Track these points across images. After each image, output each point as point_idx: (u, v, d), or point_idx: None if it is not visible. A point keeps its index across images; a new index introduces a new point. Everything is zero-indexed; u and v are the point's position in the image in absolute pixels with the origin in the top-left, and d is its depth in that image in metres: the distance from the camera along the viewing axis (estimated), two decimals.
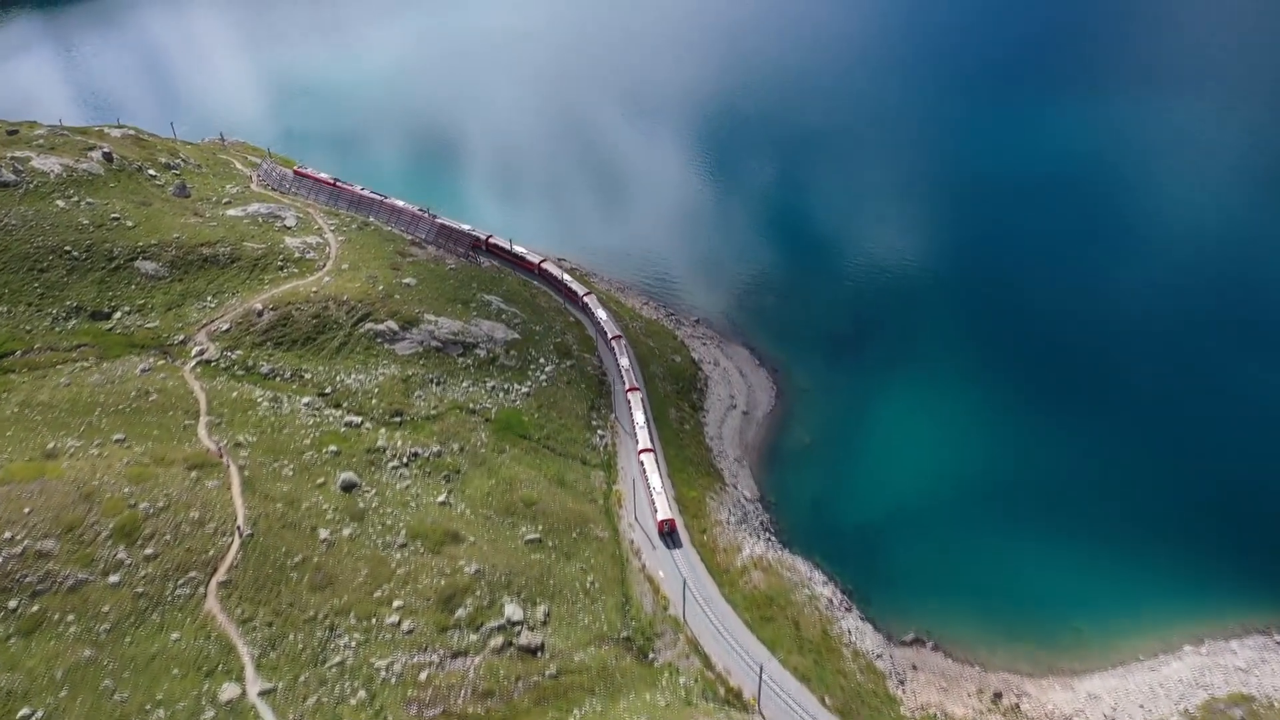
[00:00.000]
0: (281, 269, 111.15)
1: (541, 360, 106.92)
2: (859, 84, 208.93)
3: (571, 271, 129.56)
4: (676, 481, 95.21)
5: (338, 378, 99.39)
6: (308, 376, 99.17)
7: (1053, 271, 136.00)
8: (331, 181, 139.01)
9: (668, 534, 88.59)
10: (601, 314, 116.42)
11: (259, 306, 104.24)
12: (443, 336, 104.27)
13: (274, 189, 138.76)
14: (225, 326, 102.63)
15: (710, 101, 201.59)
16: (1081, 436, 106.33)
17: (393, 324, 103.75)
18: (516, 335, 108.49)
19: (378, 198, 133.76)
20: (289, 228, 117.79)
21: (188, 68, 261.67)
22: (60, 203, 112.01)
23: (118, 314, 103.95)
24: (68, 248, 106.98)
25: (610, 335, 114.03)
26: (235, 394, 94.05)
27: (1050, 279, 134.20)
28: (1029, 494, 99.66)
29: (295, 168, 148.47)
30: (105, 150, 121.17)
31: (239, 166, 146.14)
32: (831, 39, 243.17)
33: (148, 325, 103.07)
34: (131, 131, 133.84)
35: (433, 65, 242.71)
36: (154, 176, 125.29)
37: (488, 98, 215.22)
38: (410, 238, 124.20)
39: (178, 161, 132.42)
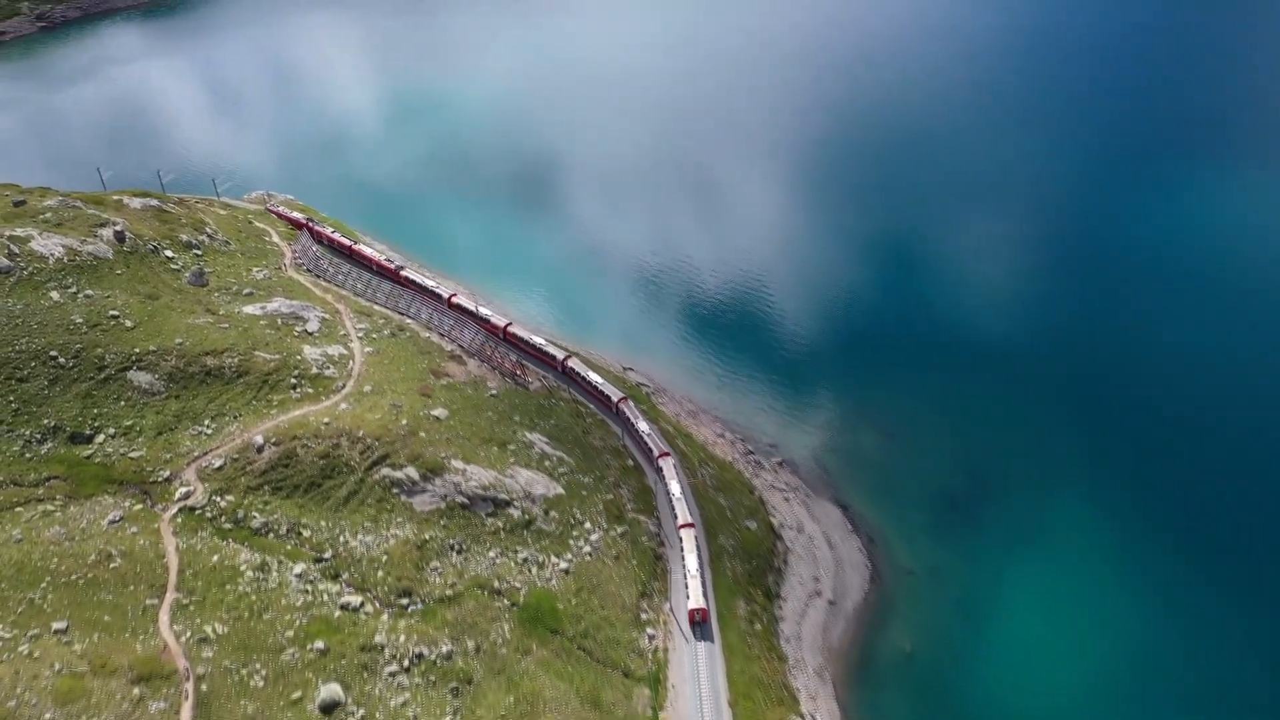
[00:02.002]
0: (294, 387, 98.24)
1: (587, 525, 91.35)
2: (1003, 142, 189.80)
3: (631, 388, 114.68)
4: (740, 713, 78.23)
5: (341, 537, 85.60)
6: (306, 534, 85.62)
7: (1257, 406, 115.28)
8: (377, 263, 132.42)
9: None
10: (643, 426, 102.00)
11: (260, 440, 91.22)
12: (471, 491, 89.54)
13: (309, 269, 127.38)
14: (219, 463, 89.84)
15: (812, 165, 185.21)
16: None
17: (413, 471, 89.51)
18: (560, 489, 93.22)
19: (426, 286, 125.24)
20: (310, 334, 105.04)
21: (260, 89, 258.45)
22: (55, 294, 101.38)
23: (100, 437, 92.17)
24: (54, 353, 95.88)
25: (656, 452, 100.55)
26: (216, 559, 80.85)
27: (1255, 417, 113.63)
28: None
29: (329, 230, 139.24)
30: (118, 228, 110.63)
31: (274, 239, 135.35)
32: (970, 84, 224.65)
33: (132, 454, 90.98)
34: (154, 203, 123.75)
35: (531, 96, 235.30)
36: (170, 259, 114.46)
37: (581, 135, 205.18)
38: (449, 349, 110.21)
39: (201, 239, 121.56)
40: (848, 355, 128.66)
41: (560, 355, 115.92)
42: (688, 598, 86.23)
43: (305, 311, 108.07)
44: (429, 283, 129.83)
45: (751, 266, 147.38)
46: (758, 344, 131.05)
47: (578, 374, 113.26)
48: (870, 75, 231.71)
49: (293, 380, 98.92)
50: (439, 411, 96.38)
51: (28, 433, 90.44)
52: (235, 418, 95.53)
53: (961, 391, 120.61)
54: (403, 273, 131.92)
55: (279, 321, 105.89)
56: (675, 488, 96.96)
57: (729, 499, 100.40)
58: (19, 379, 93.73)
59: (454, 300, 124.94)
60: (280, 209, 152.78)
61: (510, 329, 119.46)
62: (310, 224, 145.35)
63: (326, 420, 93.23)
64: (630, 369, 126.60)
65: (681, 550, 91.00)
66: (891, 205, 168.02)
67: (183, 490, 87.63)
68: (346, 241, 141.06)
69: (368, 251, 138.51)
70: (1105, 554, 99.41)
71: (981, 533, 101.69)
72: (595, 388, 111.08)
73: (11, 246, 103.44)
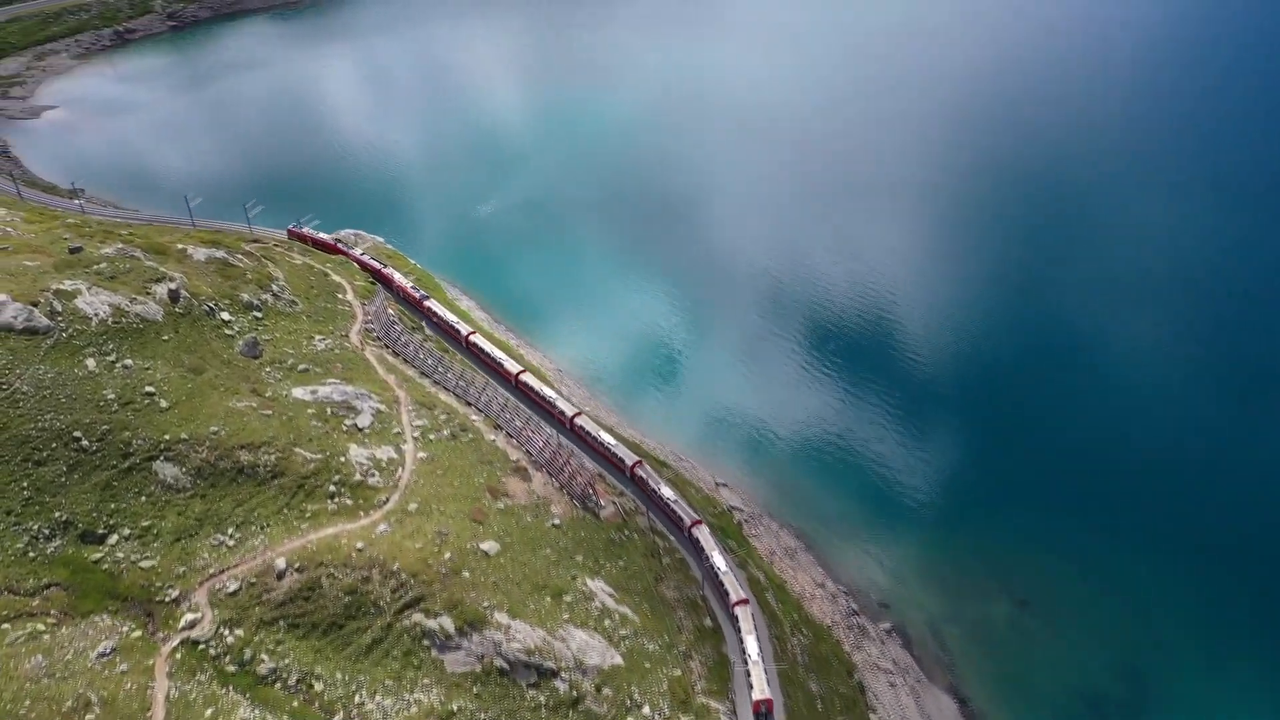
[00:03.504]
0: (333, 496, 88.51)
1: (645, 710, 78.33)
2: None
3: (719, 513, 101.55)
4: None
5: (357, 696, 75.20)
6: (318, 687, 75.60)
7: None
8: (445, 325, 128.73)
9: None
10: (719, 561, 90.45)
11: (283, 564, 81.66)
12: (513, 654, 77.61)
13: (379, 336, 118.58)
14: (234, 586, 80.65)
15: (962, 232, 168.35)
16: None
17: (449, 622, 78.30)
18: (618, 659, 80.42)
19: (493, 356, 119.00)
20: (360, 429, 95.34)
21: (369, 108, 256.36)
22: (91, 363, 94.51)
23: (114, 538, 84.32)
24: (78, 433, 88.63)
25: (733, 598, 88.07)
26: (209, 713, 71.03)
27: None
28: None
29: (409, 284, 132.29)
30: (173, 286, 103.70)
31: (349, 296, 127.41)
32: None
33: (144, 563, 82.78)
34: (221, 253, 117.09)
35: (662, 124, 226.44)
36: (226, 323, 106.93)
37: (710, 175, 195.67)
38: (515, 457, 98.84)
39: (264, 297, 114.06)
40: (983, 495, 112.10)
41: (630, 459, 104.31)
42: None
43: (359, 401, 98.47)
44: (496, 352, 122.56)
45: (878, 376, 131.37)
46: (877, 472, 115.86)
47: (647, 484, 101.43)
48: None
49: (332, 487, 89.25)
50: (489, 545, 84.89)
51: (36, 527, 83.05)
52: (262, 528, 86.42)
53: (1127, 556, 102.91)
54: (471, 338, 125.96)
55: (328, 411, 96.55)
56: (752, 647, 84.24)
57: (821, 683, 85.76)
58: (36, 462, 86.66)
59: (521, 377, 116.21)
60: (359, 254, 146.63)
61: (578, 420, 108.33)
62: (384, 270, 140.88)
63: (360, 545, 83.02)
64: (723, 484, 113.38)
65: (742, 646, 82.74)
66: (1053, 292, 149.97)
67: (189, 617, 78.76)
68: (418, 295, 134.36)
69: (437, 310, 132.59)
70: None
71: None
72: (666, 504, 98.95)
73: (55, 303, 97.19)
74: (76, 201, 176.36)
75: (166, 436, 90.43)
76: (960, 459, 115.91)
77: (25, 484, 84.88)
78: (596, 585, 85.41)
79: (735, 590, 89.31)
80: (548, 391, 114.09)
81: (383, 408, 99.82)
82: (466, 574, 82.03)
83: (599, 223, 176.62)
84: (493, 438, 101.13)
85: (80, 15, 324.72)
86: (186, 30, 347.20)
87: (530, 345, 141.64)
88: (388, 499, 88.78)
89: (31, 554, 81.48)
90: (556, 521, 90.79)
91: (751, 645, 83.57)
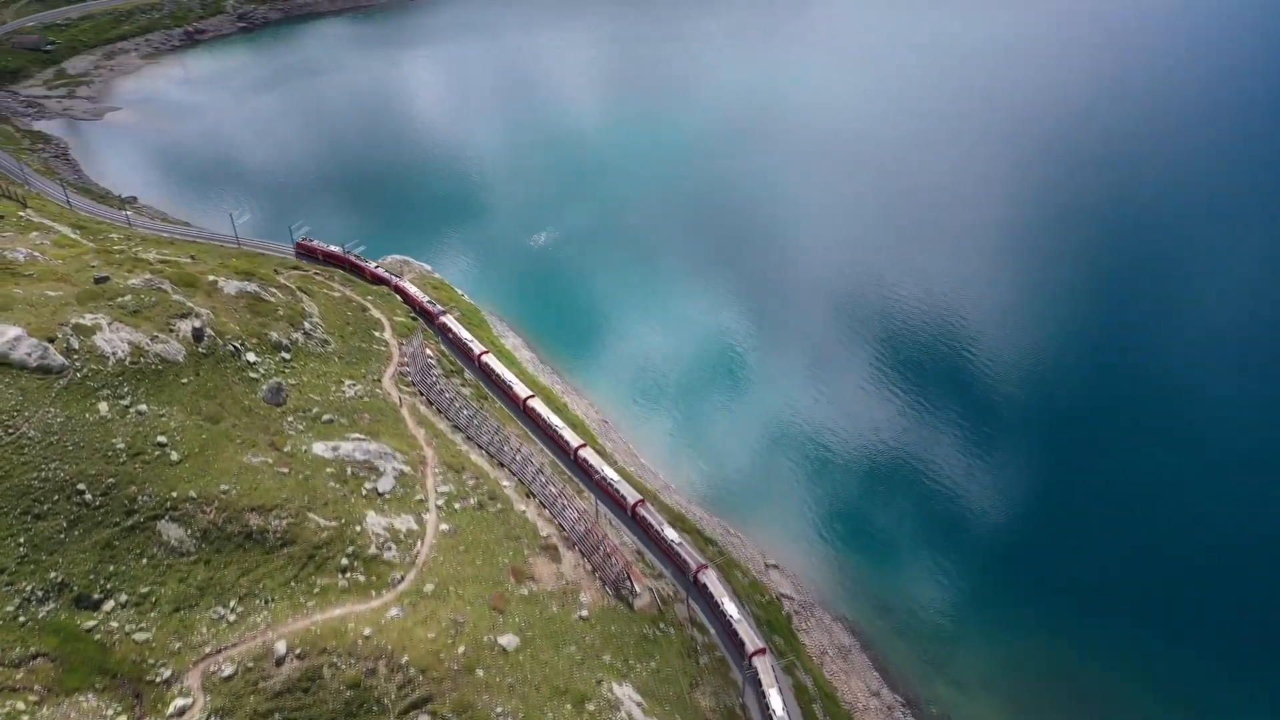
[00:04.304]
0: (345, 571, 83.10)
1: None
2: None
3: (768, 603, 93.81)
4: None
5: None
6: None
7: None
8: (470, 351, 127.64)
9: None
10: (773, 698, 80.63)
11: (283, 648, 76.33)
12: None
13: (414, 381, 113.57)
14: (229, 670, 75.49)
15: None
16: None
17: None
18: None
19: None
20: (380, 494, 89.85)
21: (432, 120, 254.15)
22: (103, 407, 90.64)
23: (110, 604, 79.81)
24: (82, 486, 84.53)
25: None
26: None
27: None
28: None
29: (450, 318, 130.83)
30: (198, 324, 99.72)
31: (386, 334, 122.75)
32: None
33: (138, 635, 78.05)
34: (252, 287, 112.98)
35: (743, 144, 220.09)
36: (251, 365, 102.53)
37: (792, 206, 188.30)
38: (545, 533, 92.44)
39: (295, 336, 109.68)
40: (1067, 601, 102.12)
41: (632, 499, 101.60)
42: None
43: (382, 461, 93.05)
44: (507, 374, 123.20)
45: (954, 455, 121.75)
46: (944, 560, 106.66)
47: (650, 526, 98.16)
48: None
49: (344, 560, 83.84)
50: (508, 639, 78.48)
51: (30, 588, 78.80)
52: (266, 602, 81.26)
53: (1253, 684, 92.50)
54: (483, 358, 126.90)
55: (348, 471, 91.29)
56: (773, 692, 77.58)
57: None
58: (36, 515, 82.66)
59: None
60: (374, 266, 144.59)
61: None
62: (398, 282, 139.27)
63: (368, 632, 77.35)
64: (774, 565, 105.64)
65: None
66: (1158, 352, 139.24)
67: (179, 703, 73.61)
68: (459, 332, 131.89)
69: (452, 325, 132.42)
70: None
71: None
72: (671, 547, 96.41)
73: (72, 339, 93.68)
74: (125, 212, 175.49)
75: (174, 494, 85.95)
76: (1045, 558, 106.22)
77: (23, 539, 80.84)
78: (624, 691, 78.39)
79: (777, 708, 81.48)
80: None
81: (407, 469, 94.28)
82: (480, 673, 75.72)
83: (661, 257, 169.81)
84: (523, 508, 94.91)
85: (152, 14, 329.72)
86: (256, 32, 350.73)
87: (577, 392, 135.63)
88: (403, 577, 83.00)
89: (22, 618, 77.21)
90: (584, 613, 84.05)
91: None
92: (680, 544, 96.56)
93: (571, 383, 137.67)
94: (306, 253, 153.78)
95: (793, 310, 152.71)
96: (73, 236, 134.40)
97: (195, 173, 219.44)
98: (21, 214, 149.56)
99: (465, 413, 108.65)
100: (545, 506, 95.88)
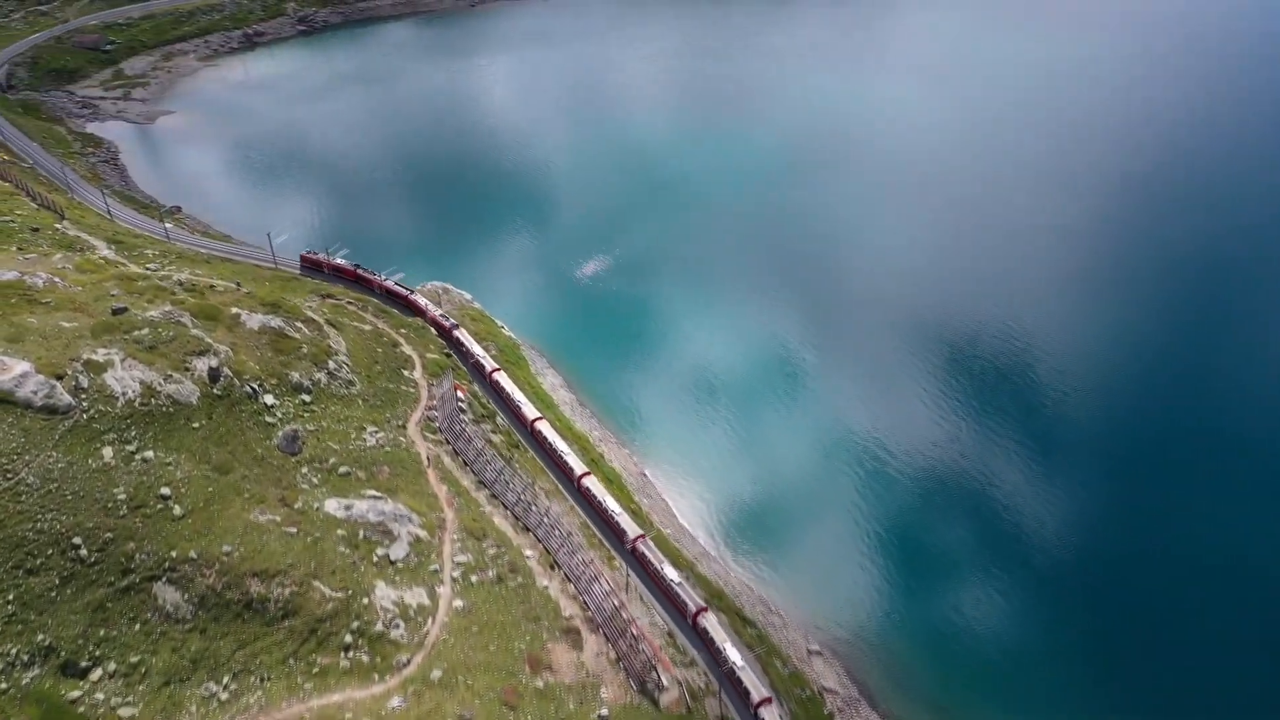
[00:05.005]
0: (347, 649, 78.17)
1: None
2: None
3: (807, 699, 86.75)
4: None
5: None
6: None
7: None
8: (482, 369, 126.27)
9: None
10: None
11: None
12: None
13: (441, 428, 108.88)
14: None
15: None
16: None
17: None
18: None
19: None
20: (393, 562, 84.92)
21: (486, 135, 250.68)
22: (108, 453, 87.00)
23: (98, 673, 75.75)
24: (78, 540, 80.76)
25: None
26: None
27: None
28: None
29: (439, 316, 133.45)
30: (214, 363, 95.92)
31: (416, 373, 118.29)
32: None
33: (124, 710, 73.94)
34: (277, 322, 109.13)
35: (816, 168, 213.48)
36: (268, 408, 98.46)
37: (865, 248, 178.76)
38: (569, 613, 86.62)
39: (318, 376, 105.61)
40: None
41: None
42: None
43: (397, 524, 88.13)
44: (518, 394, 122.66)
45: (1029, 539, 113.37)
46: (1003, 651, 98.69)
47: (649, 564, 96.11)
48: None
49: (348, 637, 78.94)
50: None
51: (15, 651, 74.87)
52: (262, 680, 76.64)
53: None
54: (494, 375, 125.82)
55: (360, 535, 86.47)
56: None
57: None
58: (29, 570, 78.91)
59: (536, 424, 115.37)
60: (384, 279, 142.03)
61: (585, 481, 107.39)
62: (411, 296, 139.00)
63: None
64: (818, 652, 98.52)
65: None
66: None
67: None
68: (472, 347, 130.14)
69: (465, 341, 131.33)
70: None
71: None
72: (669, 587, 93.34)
73: (81, 377, 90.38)
74: (165, 225, 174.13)
75: (173, 553, 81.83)
76: (1152, 664, 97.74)
77: (12, 596, 77.00)
78: None
79: None
80: (560, 445, 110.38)
81: (423, 534, 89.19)
82: None
83: (717, 294, 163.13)
84: (545, 583, 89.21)
85: (212, 15, 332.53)
86: (315, 35, 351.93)
87: (617, 440, 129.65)
88: (409, 660, 77.77)
89: (4, 684, 73.42)
90: (604, 712, 77.90)
91: None
92: (711, 630, 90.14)
93: (610, 427, 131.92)
94: (312, 266, 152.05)
95: (859, 365, 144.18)
96: (102, 256, 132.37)
97: (242, 183, 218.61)
98: (58, 226, 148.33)
99: (493, 467, 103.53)
100: (570, 581, 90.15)
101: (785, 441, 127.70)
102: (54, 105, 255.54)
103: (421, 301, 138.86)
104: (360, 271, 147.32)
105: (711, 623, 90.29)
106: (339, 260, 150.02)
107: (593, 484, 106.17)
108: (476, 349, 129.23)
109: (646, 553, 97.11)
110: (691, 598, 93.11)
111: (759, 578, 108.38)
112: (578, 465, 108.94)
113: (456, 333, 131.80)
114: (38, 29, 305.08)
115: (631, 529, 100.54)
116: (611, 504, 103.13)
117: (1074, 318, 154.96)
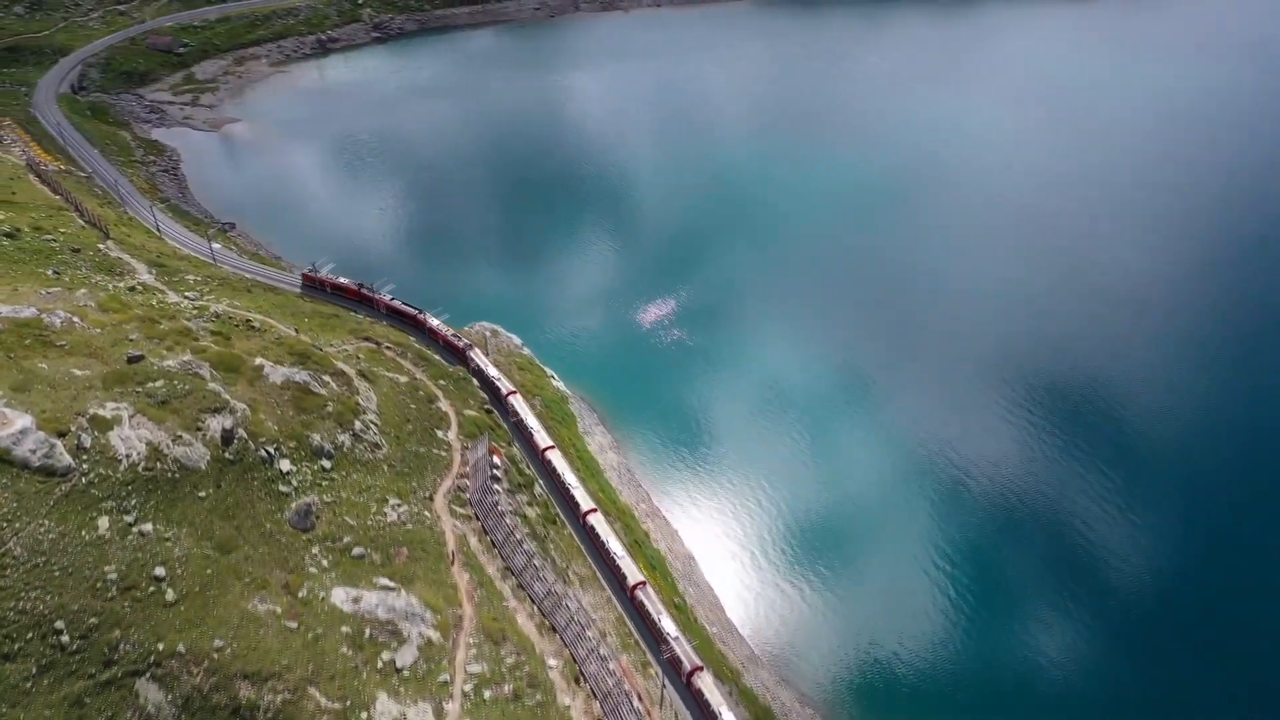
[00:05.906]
0: None
1: None
2: None
3: None
4: None
5: None
6: None
7: None
8: (498, 391, 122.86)
9: None
10: None
11: None
12: None
13: (473, 501, 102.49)
14: None
15: None
16: None
17: None
18: None
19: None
20: (399, 669, 78.20)
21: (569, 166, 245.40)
22: (103, 524, 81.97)
23: None
24: (61, 625, 75.54)
25: None
26: None
27: None
28: None
29: (449, 335, 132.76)
30: (229, 424, 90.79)
31: (450, 434, 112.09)
32: None
33: None
34: (303, 376, 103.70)
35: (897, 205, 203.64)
36: (283, 475, 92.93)
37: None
38: None
39: (341, 439, 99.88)
40: None
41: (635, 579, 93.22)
42: None
43: (408, 623, 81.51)
44: (535, 425, 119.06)
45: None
46: None
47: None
48: None
49: None
50: None
51: None
52: None
53: None
54: (510, 397, 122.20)
55: (366, 634, 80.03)
56: None
57: None
58: (5, 655, 73.84)
59: (546, 453, 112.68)
60: (421, 316, 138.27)
61: (590, 518, 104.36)
62: (448, 335, 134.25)
63: None
64: None
65: None
66: None
67: None
68: (487, 369, 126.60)
69: (477, 359, 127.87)
70: None
71: None
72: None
73: (84, 436, 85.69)
74: (214, 245, 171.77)
75: (160, 646, 76.11)
76: None
77: None
78: None
79: None
80: (614, 547, 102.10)
81: (435, 635, 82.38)
82: None
83: (791, 352, 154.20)
84: (567, 701, 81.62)
85: (288, 19, 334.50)
86: (389, 42, 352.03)
87: (665, 515, 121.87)
88: None
89: None
90: None
91: None
92: None
93: (660, 502, 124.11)
94: (314, 285, 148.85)
95: (973, 478, 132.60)
96: (140, 282, 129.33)
97: (299, 200, 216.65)
98: (101, 246, 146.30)
99: (522, 553, 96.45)
100: (596, 698, 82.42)
101: (853, 538, 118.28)
102: (122, 108, 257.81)
103: (435, 323, 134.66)
104: (364, 290, 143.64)
105: (649, 594, 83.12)
106: (342, 280, 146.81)
107: (646, 595, 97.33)
108: (493, 371, 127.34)
109: (703, 690, 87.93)
110: (631, 569, 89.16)
111: (809, 691, 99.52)
112: (632, 574, 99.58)
113: (471, 353, 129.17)
114: (114, 28, 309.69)
115: (689, 659, 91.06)
116: (665, 621, 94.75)
117: (1178, 378, 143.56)
